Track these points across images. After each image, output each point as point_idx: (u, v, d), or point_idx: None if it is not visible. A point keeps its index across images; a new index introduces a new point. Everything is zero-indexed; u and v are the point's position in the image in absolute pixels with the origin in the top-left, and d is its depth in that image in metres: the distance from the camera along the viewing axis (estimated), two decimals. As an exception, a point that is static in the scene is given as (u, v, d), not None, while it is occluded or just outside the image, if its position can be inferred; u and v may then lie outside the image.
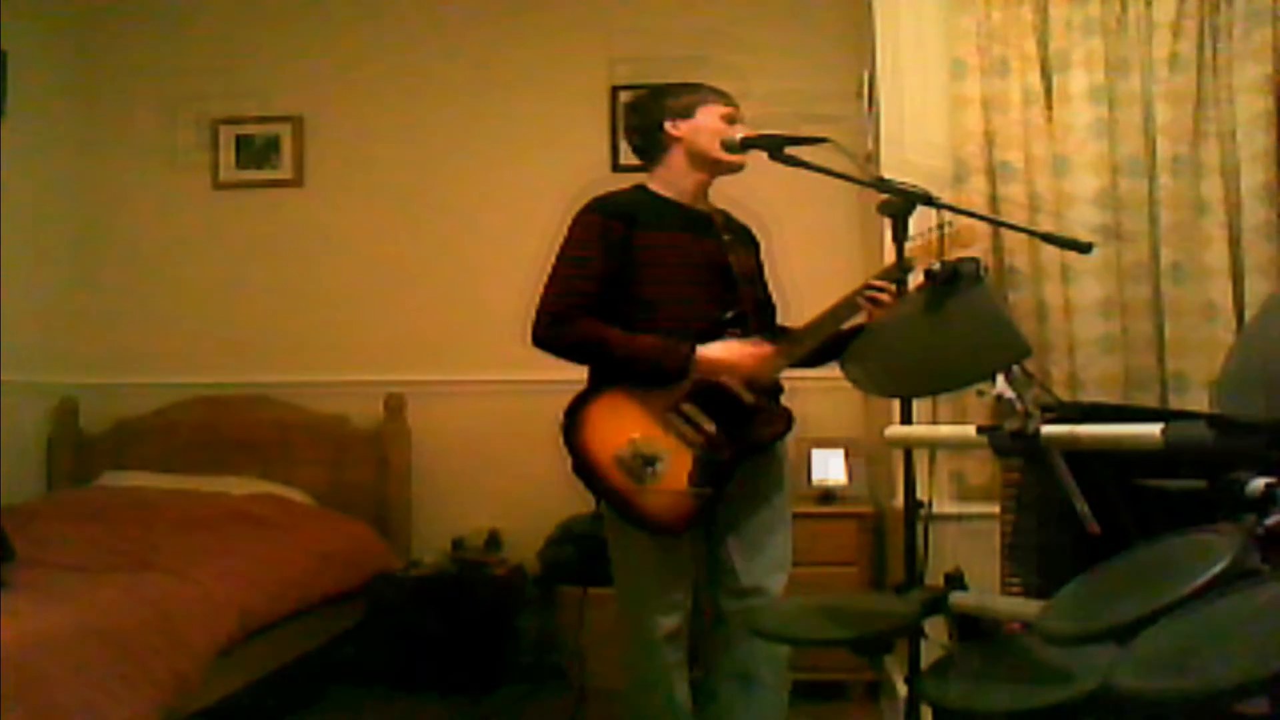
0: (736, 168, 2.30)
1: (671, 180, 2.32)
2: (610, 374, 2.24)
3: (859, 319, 2.19)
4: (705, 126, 2.27)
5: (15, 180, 3.80)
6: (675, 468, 2.14)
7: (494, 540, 3.78)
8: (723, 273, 2.27)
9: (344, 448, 3.99)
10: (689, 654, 2.30)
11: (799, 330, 2.23)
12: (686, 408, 2.17)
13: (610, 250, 2.22)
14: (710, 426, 2.17)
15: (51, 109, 4.14)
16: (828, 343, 2.18)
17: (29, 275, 3.89)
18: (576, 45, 4.10)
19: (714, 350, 2.17)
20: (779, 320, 2.45)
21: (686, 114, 2.29)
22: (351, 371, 4.09)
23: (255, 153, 4.23)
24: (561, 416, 2.21)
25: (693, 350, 2.16)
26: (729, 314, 2.23)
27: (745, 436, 2.19)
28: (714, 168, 2.31)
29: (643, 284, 2.22)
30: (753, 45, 3.94)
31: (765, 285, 2.44)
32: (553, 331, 2.20)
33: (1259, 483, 1.20)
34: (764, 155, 2.20)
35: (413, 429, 4.01)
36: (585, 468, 2.17)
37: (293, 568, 3.15)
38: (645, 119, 2.34)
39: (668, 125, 2.30)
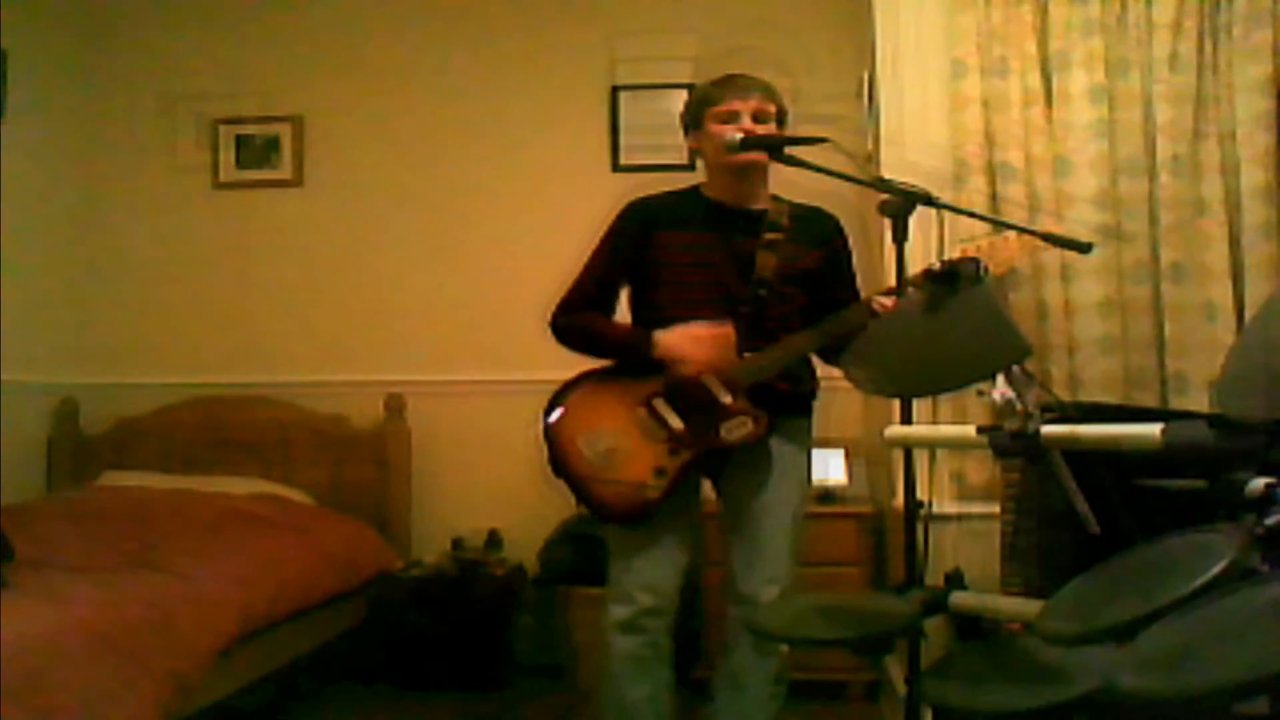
0: (740, 167, 2.25)
1: (710, 182, 2.34)
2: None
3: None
4: (708, 133, 2.26)
5: (15, 180, 3.79)
6: (636, 460, 2.16)
7: (494, 540, 3.78)
8: (746, 273, 2.24)
9: (344, 448, 3.99)
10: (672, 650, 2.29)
11: (797, 335, 2.20)
12: (658, 404, 2.18)
13: (620, 251, 2.29)
14: (677, 424, 2.17)
15: (52, 109, 4.13)
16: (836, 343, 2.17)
17: (29, 275, 3.89)
18: (577, 45, 4.10)
19: (671, 334, 2.18)
20: None
21: (696, 124, 2.30)
22: (351, 371, 4.09)
23: (255, 153, 4.22)
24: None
25: (649, 334, 2.20)
26: (742, 309, 2.20)
27: (712, 438, 2.17)
28: (730, 170, 2.27)
29: (656, 283, 2.27)
30: (751, 44, 3.94)
31: (830, 287, 2.31)
32: (556, 322, 2.31)
33: (1259, 483, 1.20)
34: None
35: (413, 429, 4.01)
36: (553, 453, 2.22)
37: (293, 568, 3.15)
38: (684, 129, 2.37)
39: (688, 141, 2.35)
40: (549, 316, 2.31)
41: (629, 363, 2.24)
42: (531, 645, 3.73)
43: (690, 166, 2.44)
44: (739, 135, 2.18)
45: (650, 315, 2.26)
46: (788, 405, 2.26)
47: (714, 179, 2.32)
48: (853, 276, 2.40)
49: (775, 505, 2.27)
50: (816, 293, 2.29)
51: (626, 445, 2.17)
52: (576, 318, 2.30)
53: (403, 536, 3.92)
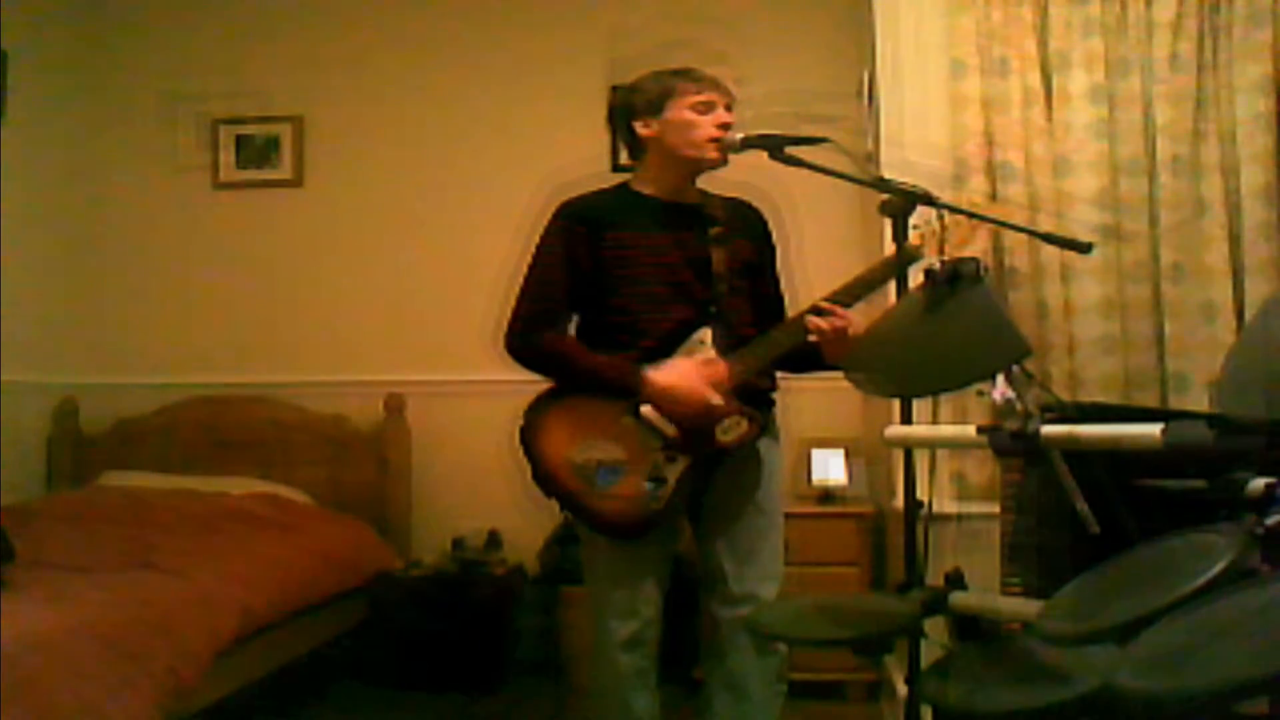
0: (714, 165, 2.20)
1: (651, 178, 2.24)
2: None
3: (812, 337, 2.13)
4: (675, 120, 2.16)
5: (16, 180, 3.80)
6: (632, 472, 2.10)
7: (494, 540, 3.78)
8: (702, 270, 2.19)
9: (344, 448, 3.99)
10: (658, 661, 2.24)
11: (753, 344, 2.17)
12: (646, 411, 2.11)
13: (574, 256, 2.18)
14: (670, 430, 2.11)
15: (52, 110, 4.14)
16: (799, 354, 2.15)
17: (29, 275, 3.89)
18: (576, 44, 4.10)
19: (664, 375, 2.10)
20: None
21: (655, 110, 2.18)
22: (351, 371, 4.09)
23: (255, 153, 4.23)
24: (521, 419, 2.17)
25: (639, 372, 2.10)
26: (713, 309, 2.17)
27: (707, 441, 2.12)
28: (689, 165, 2.21)
29: (614, 286, 2.17)
30: (752, 44, 3.94)
31: (767, 278, 2.34)
32: (519, 343, 2.19)
33: (1259, 483, 1.20)
34: (764, 155, 2.17)
35: (413, 429, 4.01)
36: (540, 472, 2.13)
37: (293, 568, 3.15)
38: (618, 120, 2.26)
39: (638, 126, 2.20)
40: (504, 338, 2.19)
41: (602, 392, 2.13)
42: (531, 645, 3.73)
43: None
44: (738, 136, 2.15)
45: (606, 320, 2.18)
46: (764, 400, 2.25)
47: (660, 171, 2.22)
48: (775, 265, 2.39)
49: (766, 502, 2.24)
50: (757, 285, 2.28)
51: (620, 456, 2.10)
52: (546, 341, 2.18)
53: (403, 536, 3.92)
